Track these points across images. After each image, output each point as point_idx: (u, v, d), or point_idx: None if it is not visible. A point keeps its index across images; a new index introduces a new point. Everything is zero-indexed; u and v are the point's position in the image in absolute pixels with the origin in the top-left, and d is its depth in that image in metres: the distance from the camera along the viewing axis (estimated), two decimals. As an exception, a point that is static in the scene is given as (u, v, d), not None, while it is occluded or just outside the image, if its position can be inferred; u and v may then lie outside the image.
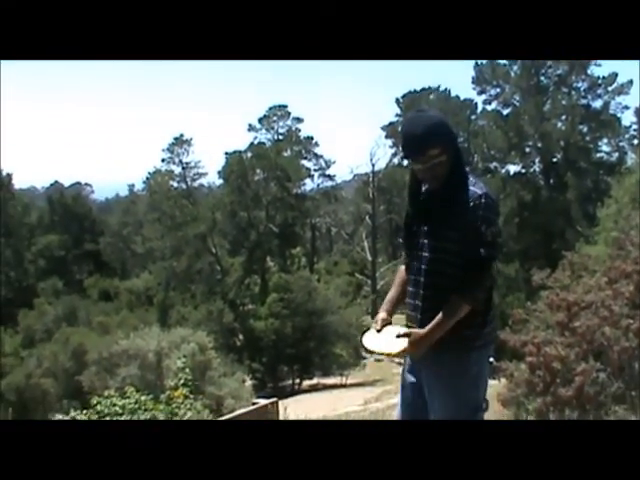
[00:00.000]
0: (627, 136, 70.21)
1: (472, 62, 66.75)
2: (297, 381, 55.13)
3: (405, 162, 75.11)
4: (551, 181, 65.09)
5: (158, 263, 70.96)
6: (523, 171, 66.71)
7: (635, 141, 70.47)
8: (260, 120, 75.58)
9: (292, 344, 53.12)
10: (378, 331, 4.84)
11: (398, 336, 4.62)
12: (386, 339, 4.76)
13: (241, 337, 58.34)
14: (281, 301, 54.03)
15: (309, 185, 77.64)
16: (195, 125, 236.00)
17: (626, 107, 66.29)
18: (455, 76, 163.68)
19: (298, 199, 72.94)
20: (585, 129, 65.92)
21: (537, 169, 66.79)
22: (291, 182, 71.61)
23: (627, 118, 69.73)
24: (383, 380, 47.68)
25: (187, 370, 11.16)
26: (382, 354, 4.82)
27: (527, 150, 66.31)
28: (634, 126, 73.41)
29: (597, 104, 65.94)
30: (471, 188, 4.55)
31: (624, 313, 13.45)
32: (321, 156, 78.39)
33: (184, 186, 72.15)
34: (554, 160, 66.49)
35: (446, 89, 74.17)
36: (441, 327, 4.51)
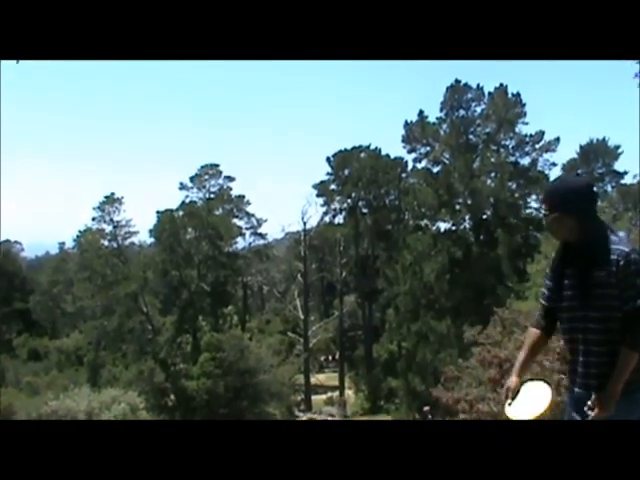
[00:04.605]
0: (555, 192, 71.35)
1: (401, 121, 67.54)
2: (230, 441, 54.41)
3: (335, 220, 75.96)
4: (481, 237, 65.66)
5: (89, 322, 70.11)
6: (453, 228, 67.18)
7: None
8: (192, 179, 75.78)
9: (225, 404, 52.64)
10: (512, 399, 5.50)
11: (590, 408, 5.11)
12: (526, 401, 5.40)
13: (173, 397, 57.61)
14: (213, 360, 53.63)
15: (241, 243, 77.90)
16: (126, 184, 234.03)
17: (554, 164, 67.42)
18: (385, 135, 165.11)
19: (230, 258, 72.76)
20: (514, 186, 66.67)
21: (467, 226, 67.34)
22: (223, 241, 71.46)
23: (555, 174, 70.90)
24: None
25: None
26: (531, 418, 5.31)
27: (457, 207, 66.85)
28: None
29: (525, 161, 66.90)
30: (616, 247, 5.16)
31: (555, 368, 13.58)
32: (253, 214, 78.88)
33: (115, 245, 71.60)
34: (484, 217, 67.18)
35: (376, 148, 74.75)
36: (622, 379, 5.05)
